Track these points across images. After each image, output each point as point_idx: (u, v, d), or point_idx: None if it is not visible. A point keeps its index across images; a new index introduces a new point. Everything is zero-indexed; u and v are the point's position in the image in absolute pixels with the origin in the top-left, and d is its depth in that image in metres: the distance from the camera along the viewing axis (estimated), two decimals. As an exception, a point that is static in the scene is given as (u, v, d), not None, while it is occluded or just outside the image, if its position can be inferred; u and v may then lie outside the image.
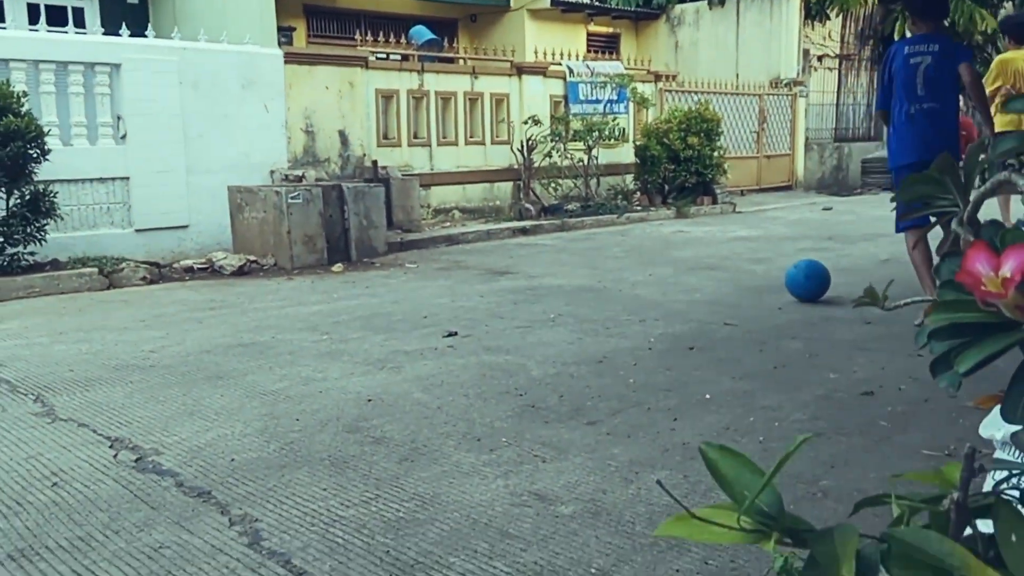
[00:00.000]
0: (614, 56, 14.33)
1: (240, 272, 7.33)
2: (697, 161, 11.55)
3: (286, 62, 9.11)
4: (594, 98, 11.81)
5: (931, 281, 4.51)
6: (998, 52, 17.28)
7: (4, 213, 6.40)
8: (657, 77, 13.32)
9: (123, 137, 7.98)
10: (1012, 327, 0.74)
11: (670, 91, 13.44)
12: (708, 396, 3.49)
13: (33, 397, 3.58)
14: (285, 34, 11.46)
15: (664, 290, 5.98)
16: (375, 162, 9.43)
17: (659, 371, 3.89)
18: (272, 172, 8.98)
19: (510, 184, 11.18)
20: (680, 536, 0.77)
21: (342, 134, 9.67)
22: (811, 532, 0.70)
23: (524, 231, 9.63)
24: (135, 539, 2.25)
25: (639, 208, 11.40)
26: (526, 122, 10.61)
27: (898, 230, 4.86)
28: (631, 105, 12.24)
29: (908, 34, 5.41)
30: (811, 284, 5.43)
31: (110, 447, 2.97)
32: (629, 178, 12.24)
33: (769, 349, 4.25)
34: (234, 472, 2.74)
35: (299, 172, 8.95)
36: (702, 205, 11.72)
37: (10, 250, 6.42)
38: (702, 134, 11.54)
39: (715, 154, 11.73)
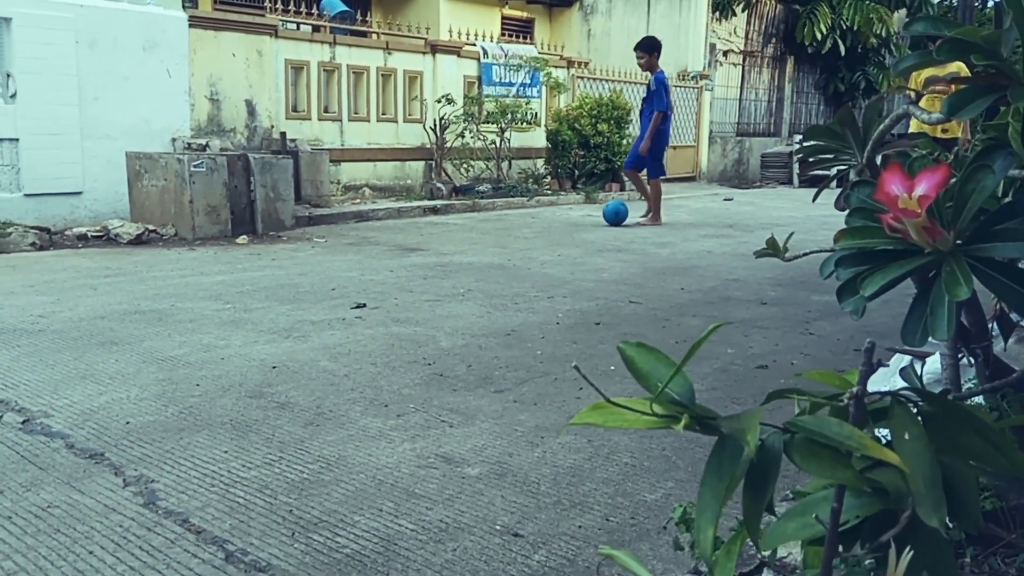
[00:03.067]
0: (528, 41, 14.39)
1: (138, 241, 7.05)
2: (607, 148, 11.73)
3: (191, 26, 8.77)
4: (507, 81, 11.84)
5: None
6: (892, 57, 18.15)
7: None
8: (570, 63, 13.44)
9: (12, 96, 7.54)
10: (914, 254, 0.79)
11: (582, 78, 13.59)
12: (612, 367, 3.57)
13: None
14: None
15: (572, 269, 6.07)
16: (283, 134, 9.20)
17: (566, 344, 3.95)
18: (174, 140, 8.65)
19: (422, 163, 11.10)
20: (596, 423, 0.80)
21: (249, 104, 9.39)
22: (718, 417, 0.73)
23: (435, 210, 9.58)
24: (21, 499, 2.15)
25: (549, 192, 11.51)
26: (439, 101, 10.55)
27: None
28: (544, 89, 12.32)
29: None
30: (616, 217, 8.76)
31: (-6, 410, 2.82)
32: (540, 162, 12.34)
33: (671, 325, 4.37)
34: (129, 435, 2.64)
35: (203, 141, 8.65)
36: (610, 191, 11.93)
37: None
38: (612, 122, 11.73)
39: (624, 142, 11.94)
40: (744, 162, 17.38)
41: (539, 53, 12.61)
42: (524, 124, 11.65)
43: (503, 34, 15.20)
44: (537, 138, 12.43)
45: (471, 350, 3.81)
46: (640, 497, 2.31)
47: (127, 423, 2.74)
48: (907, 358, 1.98)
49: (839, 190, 1.30)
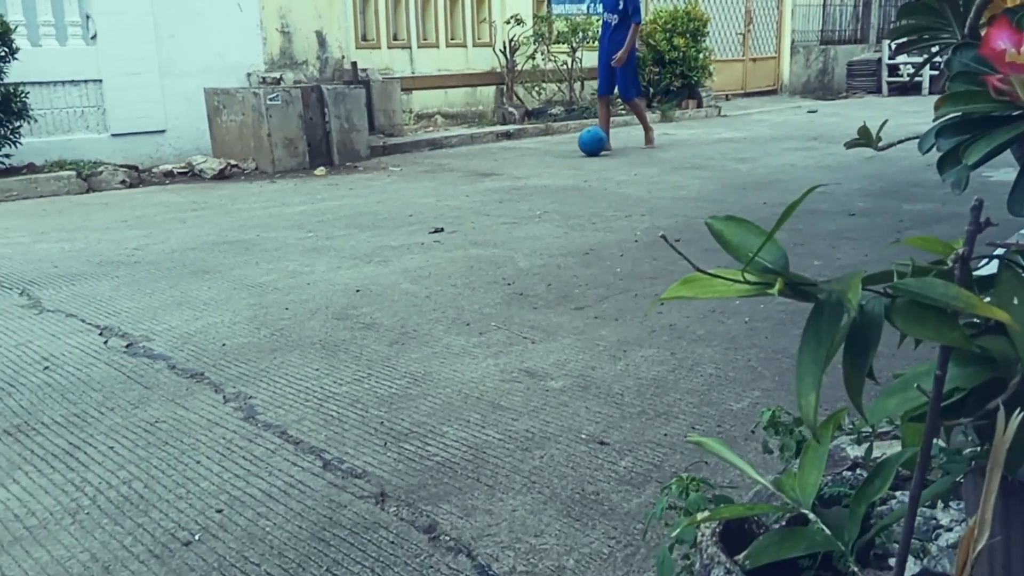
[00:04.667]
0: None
1: (221, 176, 7.22)
2: (683, 63, 11.35)
3: (259, -43, 8.75)
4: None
5: None
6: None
7: (-26, 115, 6.23)
8: (643, -24, 12.94)
9: (93, 37, 7.72)
10: (1020, 119, 0.73)
11: (656, -9, 13.10)
12: (694, 283, 3.51)
13: (18, 291, 3.56)
14: (256, -70, 10.97)
15: (649, 189, 5.96)
16: (354, 64, 9.19)
17: (645, 261, 3.91)
18: (249, 75, 8.74)
19: (492, 88, 10.97)
20: (687, 296, 0.78)
21: (319, 35, 9.39)
22: (813, 284, 0.71)
23: (508, 135, 9.50)
24: (131, 415, 2.28)
25: (623, 112, 11.25)
26: (508, 22, 10.33)
27: None
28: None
29: None
30: (592, 145, 7.95)
31: (99, 335, 2.98)
32: (614, 81, 12.03)
33: (754, 240, 4.26)
34: (226, 355, 2.76)
35: (276, 74, 8.72)
36: (687, 108, 11.58)
37: (-17, 152, 6.29)
38: (688, 35, 11.31)
39: (701, 56, 11.52)
40: (829, 72, 16.59)
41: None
42: (596, 43, 11.33)
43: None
44: (609, 56, 12.10)
45: (550, 269, 3.81)
46: (726, 406, 2.29)
47: (223, 345, 2.86)
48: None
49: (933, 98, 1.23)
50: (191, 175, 7.28)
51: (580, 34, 10.74)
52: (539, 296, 3.40)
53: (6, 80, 6.39)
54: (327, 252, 4.26)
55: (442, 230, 4.70)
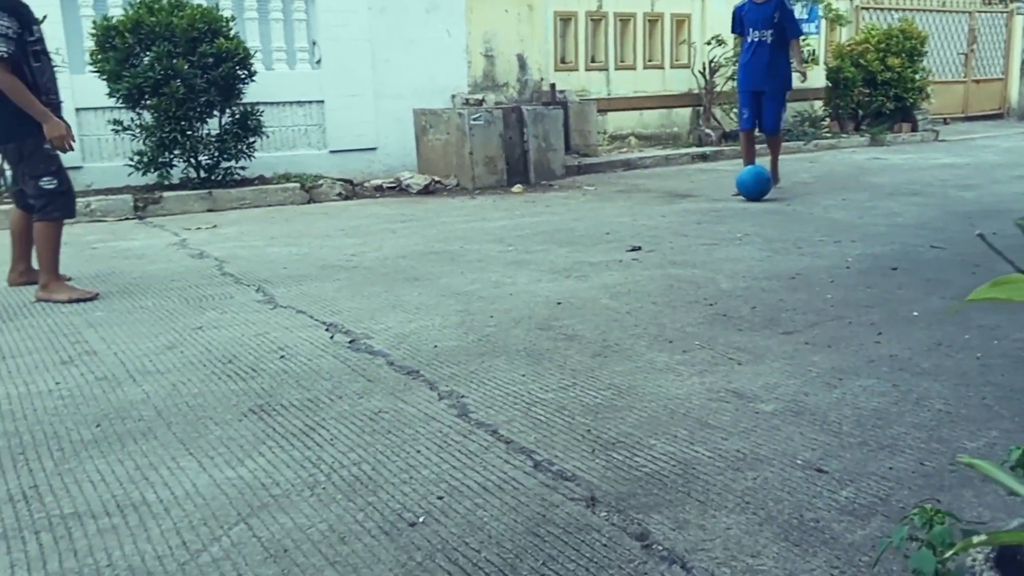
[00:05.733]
0: (806, -27, 13.38)
1: (425, 191, 7.60)
2: (897, 84, 10.70)
3: (468, -15, 9.18)
4: (783, 17, 11.14)
5: None
6: None
7: (218, 131, 6.94)
8: (853, -6, 12.37)
9: (318, 62, 8.39)
10: None
11: (867, 8, 12.46)
12: (915, 313, 3.30)
13: (255, 288, 3.92)
14: (466, -40, 11.52)
15: (860, 214, 5.65)
16: (553, 85, 9.41)
17: (858, 289, 3.71)
18: (453, 96, 9.17)
19: (689, 110, 10.85)
20: (1000, 298, 0.74)
21: (520, 58, 9.69)
22: None
23: (704, 157, 9.35)
24: (357, 404, 2.45)
25: (828, 135, 10.76)
26: (709, 43, 10.19)
27: None
28: (823, 24, 11.46)
29: None
30: (754, 187, 6.40)
31: (326, 330, 3.22)
32: (818, 103, 11.54)
33: (983, 272, 3.94)
34: (438, 356, 2.89)
35: (479, 96, 9.09)
36: (900, 132, 10.90)
37: (224, 164, 6.98)
38: (903, 55, 10.65)
39: (917, 76, 10.81)
40: (1064, 95, 15.05)
41: (818, -15, 11.71)
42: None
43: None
44: (814, 77, 11.61)
45: (753, 292, 3.70)
46: (959, 444, 2.12)
47: (435, 346, 3.00)
48: None
49: None
50: (398, 189, 7.71)
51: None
52: (743, 318, 3.31)
53: (244, 100, 7.07)
54: (527, 265, 4.37)
55: (640, 249, 4.69)
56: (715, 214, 5.86)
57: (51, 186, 3.73)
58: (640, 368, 2.76)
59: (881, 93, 10.74)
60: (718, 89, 10.38)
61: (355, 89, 8.45)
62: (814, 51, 11.33)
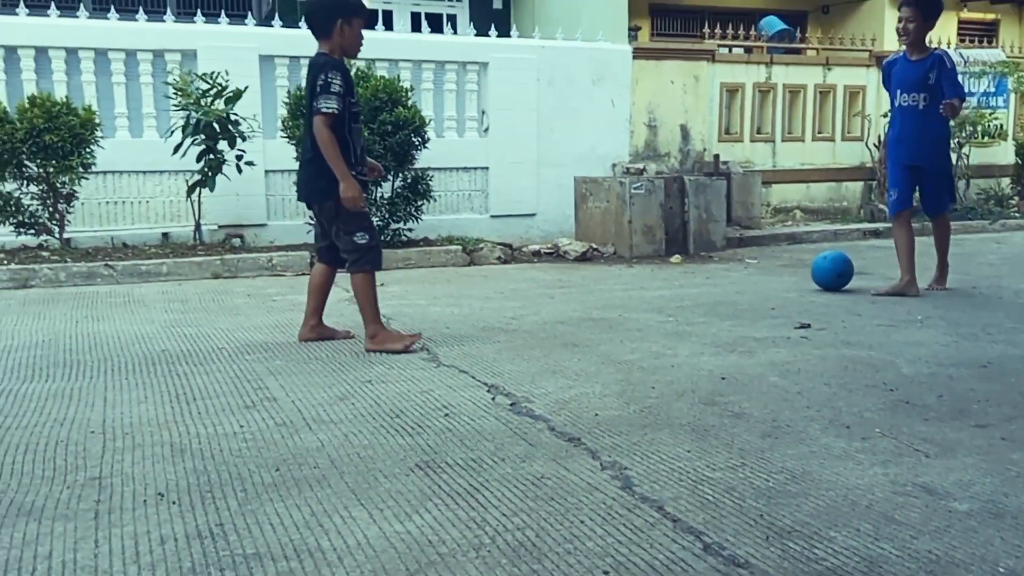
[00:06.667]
0: (992, 45, 12.72)
1: (583, 258, 7.65)
2: (1098, 161, 9.85)
3: (634, 57, 9.34)
4: (967, 90, 10.59)
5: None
6: None
7: (390, 194, 7.31)
8: (1048, 66, 11.58)
9: (486, 130, 8.73)
10: None
11: (1063, 81, 11.60)
12: None
13: (419, 345, 4.04)
14: (631, 33, 11.76)
15: (1058, 300, 5.18)
16: (716, 156, 9.32)
17: (1062, 382, 3.37)
18: (614, 165, 9.26)
19: (860, 184, 10.43)
20: None
21: (683, 128, 9.69)
22: None
23: (876, 233, 8.91)
24: (519, 467, 2.44)
25: (1017, 215, 10.00)
26: (885, 115, 9.79)
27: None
28: (1013, 98, 10.78)
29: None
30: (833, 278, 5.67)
31: (487, 391, 3.26)
32: (1005, 181, 10.80)
33: None
34: (599, 425, 2.85)
35: (640, 165, 9.13)
36: (1101, 213, 9.99)
37: (393, 226, 7.33)
38: (1107, 129, 9.83)
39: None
40: None
41: (1007, 57, 11.07)
42: (986, 138, 10.31)
43: (960, 39, 13.66)
44: (1003, 153, 10.91)
45: (939, 379, 3.44)
46: None
47: (596, 415, 2.97)
48: None
49: None
50: (556, 255, 7.80)
51: (968, 128, 9.84)
52: (929, 407, 3.07)
53: (416, 165, 7.43)
54: (688, 337, 4.27)
55: (809, 326, 4.49)
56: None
57: (364, 241, 3.93)
58: (815, 453, 2.61)
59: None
60: (892, 163, 9.92)
61: (519, 156, 8.71)
62: (1002, 125, 10.66)
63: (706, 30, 10.95)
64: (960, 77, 5.60)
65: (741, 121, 9.97)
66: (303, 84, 7.48)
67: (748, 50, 10.58)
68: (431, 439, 2.69)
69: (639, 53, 9.41)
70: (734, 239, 8.42)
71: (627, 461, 2.51)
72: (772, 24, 11.00)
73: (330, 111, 3.73)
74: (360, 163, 4.01)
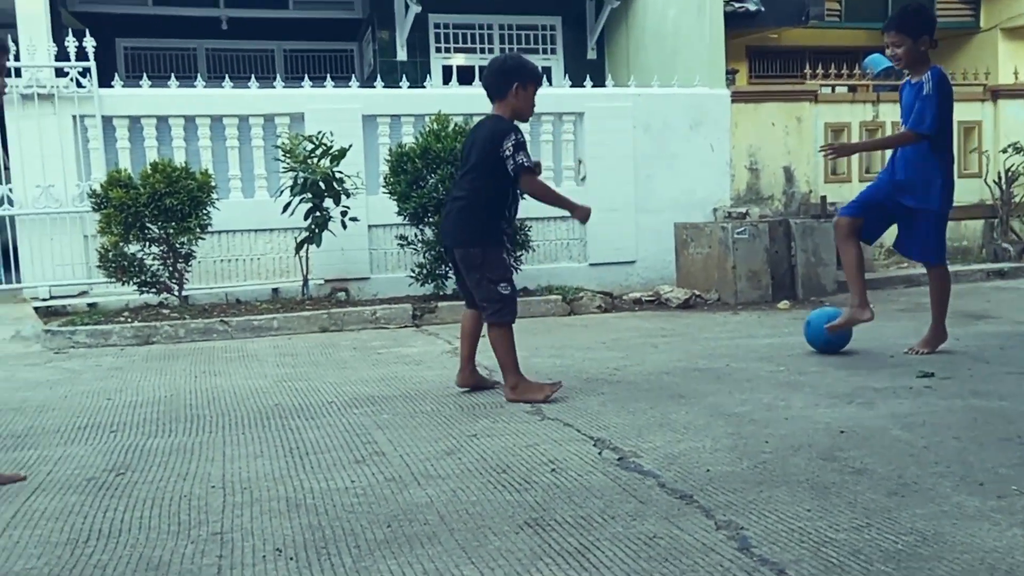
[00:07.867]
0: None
1: (685, 305, 7.52)
2: None
3: (732, 101, 9.24)
4: None
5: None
6: None
7: (490, 245, 7.40)
8: None
9: (583, 179, 8.77)
10: None
11: None
12: None
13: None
14: (728, 77, 11.65)
15: None
16: (823, 198, 9.06)
17: None
18: (715, 210, 9.12)
19: (980, 222, 9.91)
20: None
21: (787, 170, 9.48)
22: None
23: (1000, 274, 8.43)
24: (630, 526, 2.38)
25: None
26: (1005, 150, 9.34)
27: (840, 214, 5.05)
28: None
29: None
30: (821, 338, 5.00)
31: (593, 445, 3.21)
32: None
33: None
34: (711, 481, 2.76)
35: (742, 209, 8.96)
36: None
37: (494, 277, 7.40)
38: None
39: None
40: None
41: None
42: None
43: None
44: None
45: (1083, 432, 3.18)
46: None
47: (707, 470, 2.87)
48: None
49: None
50: (657, 303, 7.69)
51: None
52: (1073, 463, 2.84)
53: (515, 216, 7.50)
54: (802, 388, 4.11)
55: (932, 375, 4.25)
56: (1020, 338, 5.20)
57: (507, 291, 4.06)
58: (946, 513, 2.44)
59: None
60: (1016, 200, 9.41)
61: (616, 204, 8.68)
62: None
63: (807, 70, 10.75)
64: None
65: (848, 161, 9.68)
66: (403, 141, 7.81)
67: (852, 89, 10.31)
68: (539, 495, 2.66)
69: (737, 97, 9.31)
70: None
71: (743, 520, 2.41)
72: (878, 62, 10.69)
73: (531, 164, 3.98)
74: (512, 220, 4.24)
